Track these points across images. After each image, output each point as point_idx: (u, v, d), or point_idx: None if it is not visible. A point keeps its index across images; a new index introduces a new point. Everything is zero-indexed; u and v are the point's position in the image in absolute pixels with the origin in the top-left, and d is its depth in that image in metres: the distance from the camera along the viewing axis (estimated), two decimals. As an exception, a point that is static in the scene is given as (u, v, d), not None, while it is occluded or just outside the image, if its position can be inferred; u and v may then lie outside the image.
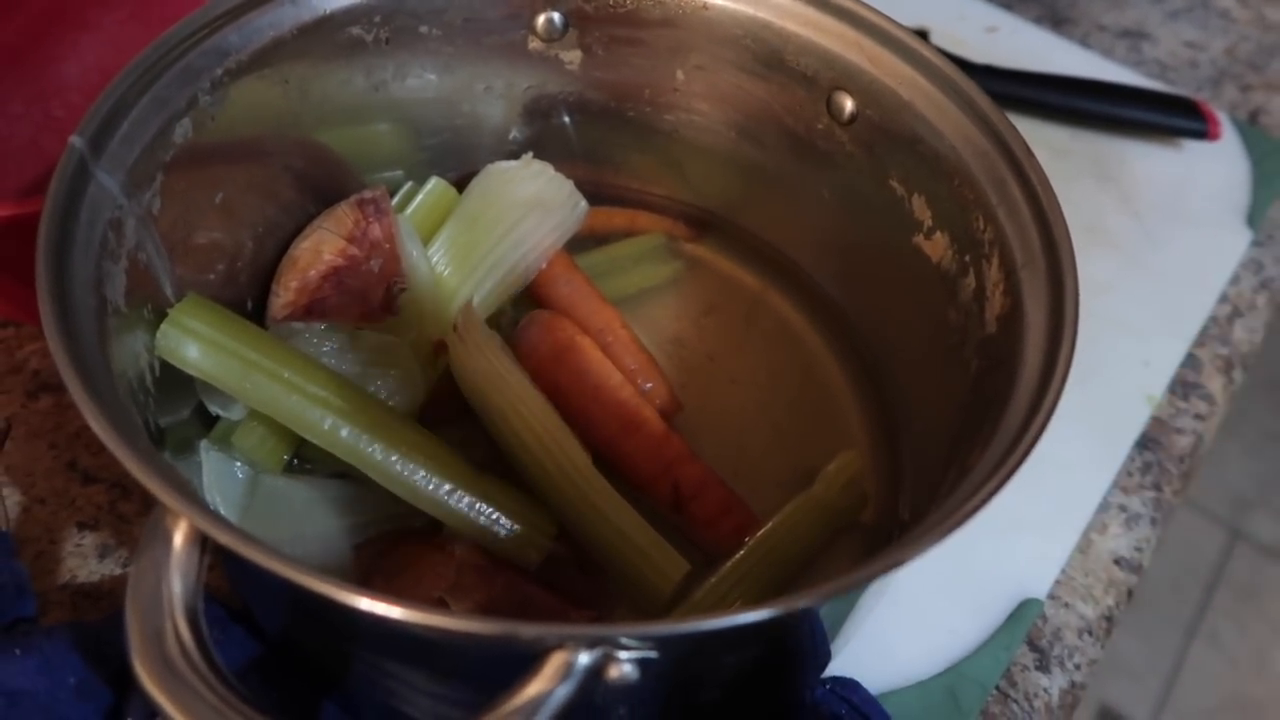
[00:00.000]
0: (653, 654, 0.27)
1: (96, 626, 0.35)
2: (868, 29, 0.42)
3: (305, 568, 0.24)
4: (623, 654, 0.27)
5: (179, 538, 0.27)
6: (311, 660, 0.35)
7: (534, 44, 0.47)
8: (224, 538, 0.25)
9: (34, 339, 0.51)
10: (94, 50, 0.62)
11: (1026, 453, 0.29)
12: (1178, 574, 1.67)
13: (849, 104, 0.44)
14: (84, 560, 0.44)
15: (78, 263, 0.32)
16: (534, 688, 0.26)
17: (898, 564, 0.27)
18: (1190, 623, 1.62)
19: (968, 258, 0.40)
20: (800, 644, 0.34)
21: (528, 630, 0.25)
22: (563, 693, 0.26)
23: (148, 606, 0.26)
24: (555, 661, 0.26)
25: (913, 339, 0.44)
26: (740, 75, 0.46)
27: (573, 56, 0.48)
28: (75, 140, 0.33)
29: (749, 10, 0.44)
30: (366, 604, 0.24)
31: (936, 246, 0.42)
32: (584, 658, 0.26)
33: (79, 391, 0.27)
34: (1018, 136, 0.37)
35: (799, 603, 0.26)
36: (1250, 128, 0.68)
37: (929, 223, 0.42)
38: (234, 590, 0.37)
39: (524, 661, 0.26)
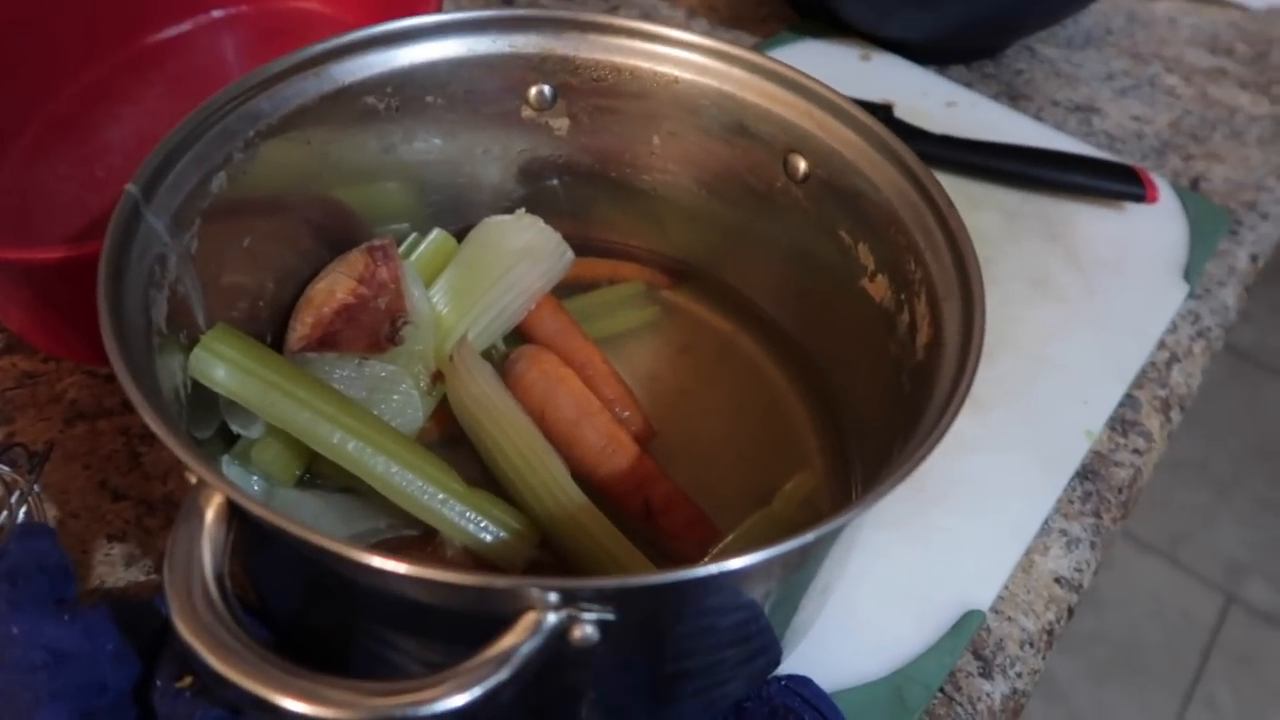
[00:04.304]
0: (610, 615, 0.31)
1: (131, 605, 0.40)
2: (816, 99, 0.48)
3: (319, 530, 0.29)
4: (585, 615, 0.31)
5: (210, 513, 0.32)
6: (318, 641, 0.39)
7: (526, 112, 0.54)
8: (254, 508, 0.30)
9: (72, 373, 0.57)
10: (133, 120, 0.69)
11: (939, 438, 0.34)
12: (1174, 639, 1.68)
13: (802, 164, 0.50)
14: (112, 568, 0.49)
15: (129, 288, 0.37)
16: (506, 641, 0.30)
17: (821, 532, 0.32)
18: (1187, 687, 1.63)
19: (903, 296, 0.45)
20: (752, 624, 0.38)
21: (500, 582, 0.30)
22: (530, 646, 0.30)
23: (183, 571, 0.31)
24: (526, 620, 0.31)
25: (861, 371, 0.49)
26: (707, 140, 0.52)
27: (561, 124, 0.54)
28: (131, 188, 0.39)
29: (714, 84, 0.50)
30: (372, 560, 0.29)
31: (879, 288, 0.47)
32: (551, 617, 0.31)
33: (133, 388, 0.32)
34: (940, 190, 0.43)
35: (741, 561, 0.30)
36: (1190, 192, 0.74)
37: (872, 267, 0.48)
38: (248, 576, 0.41)
39: (503, 622, 0.31)
